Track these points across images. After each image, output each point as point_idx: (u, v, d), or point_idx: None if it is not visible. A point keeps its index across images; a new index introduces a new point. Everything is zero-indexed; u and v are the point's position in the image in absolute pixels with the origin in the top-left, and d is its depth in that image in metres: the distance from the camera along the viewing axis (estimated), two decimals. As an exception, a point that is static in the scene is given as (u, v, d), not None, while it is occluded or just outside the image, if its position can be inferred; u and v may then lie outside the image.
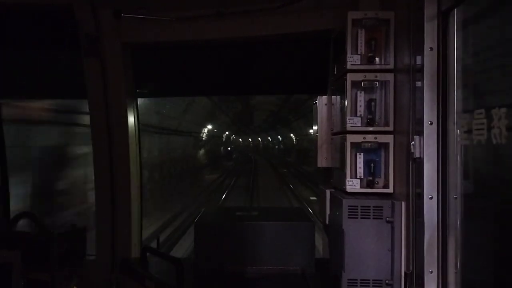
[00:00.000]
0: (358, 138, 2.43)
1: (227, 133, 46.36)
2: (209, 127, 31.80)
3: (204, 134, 30.71)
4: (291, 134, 40.04)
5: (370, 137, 2.42)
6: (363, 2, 2.62)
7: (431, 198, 1.98)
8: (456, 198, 1.95)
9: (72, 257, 2.87)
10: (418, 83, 2.04)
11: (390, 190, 2.41)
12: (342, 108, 2.60)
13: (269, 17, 3.11)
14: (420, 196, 2.01)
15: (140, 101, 3.72)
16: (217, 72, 3.84)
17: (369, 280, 2.31)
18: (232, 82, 3.96)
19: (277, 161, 42.45)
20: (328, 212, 2.76)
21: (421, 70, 2.00)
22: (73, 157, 8.23)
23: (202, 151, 30.54)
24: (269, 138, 56.45)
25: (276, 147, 53.85)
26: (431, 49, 1.96)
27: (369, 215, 2.31)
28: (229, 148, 51.63)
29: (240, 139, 58.77)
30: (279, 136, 50.27)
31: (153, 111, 15.27)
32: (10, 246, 2.56)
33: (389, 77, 2.40)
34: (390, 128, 2.40)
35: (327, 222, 2.80)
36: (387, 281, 2.29)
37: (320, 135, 2.98)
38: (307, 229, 2.93)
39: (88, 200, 7.46)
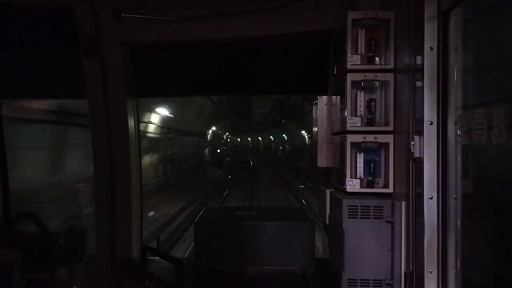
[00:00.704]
0: (358, 138, 2.43)
1: (213, 128, 34.06)
2: (162, 112, 16.91)
3: (152, 127, 16.11)
4: (303, 132, 30.75)
5: (370, 137, 2.42)
6: (363, 2, 2.62)
7: (431, 198, 1.98)
8: (456, 198, 1.95)
9: (72, 257, 2.87)
10: (418, 83, 2.04)
11: (390, 190, 2.41)
12: (342, 108, 2.60)
13: (269, 17, 3.11)
14: (420, 196, 2.02)
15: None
16: (217, 72, 3.84)
17: (369, 280, 2.31)
18: (232, 82, 3.96)
19: (286, 169, 31.33)
20: (328, 212, 2.76)
21: (421, 70, 2.00)
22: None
23: (152, 158, 16.22)
24: (271, 137, 48.68)
25: (281, 147, 44.61)
26: (431, 49, 1.96)
27: (369, 215, 2.31)
28: (218, 151, 38.01)
29: (238, 139, 51.53)
30: (284, 135, 41.45)
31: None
32: (10, 246, 2.56)
33: (389, 77, 2.40)
34: (390, 128, 2.40)
35: (327, 222, 2.80)
36: (387, 281, 2.29)
37: (320, 135, 2.98)
38: (307, 229, 2.93)
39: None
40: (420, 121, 2.00)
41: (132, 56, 3.47)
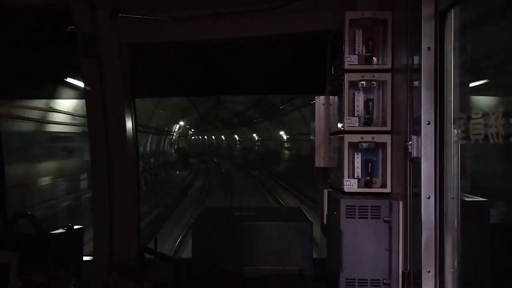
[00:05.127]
0: (355, 138, 2.43)
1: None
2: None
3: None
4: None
5: (367, 137, 2.42)
6: (360, 2, 2.63)
7: (429, 197, 1.98)
8: (453, 197, 1.96)
9: (70, 258, 2.86)
10: (416, 83, 2.04)
11: (387, 189, 2.41)
12: (340, 108, 2.61)
13: (267, 18, 3.11)
14: (417, 195, 2.02)
15: None
16: (215, 72, 3.84)
17: (366, 279, 2.32)
18: (230, 82, 3.96)
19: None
20: (325, 212, 2.76)
21: (418, 70, 2.00)
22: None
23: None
24: (255, 135, 33.65)
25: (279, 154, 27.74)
26: (429, 49, 1.97)
27: (367, 215, 2.31)
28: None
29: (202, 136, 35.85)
30: (281, 131, 26.98)
31: None
32: (7, 247, 2.55)
33: (387, 77, 2.41)
34: (388, 128, 2.40)
35: (324, 222, 2.80)
36: (384, 281, 2.29)
37: (318, 135, 2.99)
38: (305, 229, 2.93)
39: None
40: (418, 121, 2.00)
41: (129, 56, 3.46)
